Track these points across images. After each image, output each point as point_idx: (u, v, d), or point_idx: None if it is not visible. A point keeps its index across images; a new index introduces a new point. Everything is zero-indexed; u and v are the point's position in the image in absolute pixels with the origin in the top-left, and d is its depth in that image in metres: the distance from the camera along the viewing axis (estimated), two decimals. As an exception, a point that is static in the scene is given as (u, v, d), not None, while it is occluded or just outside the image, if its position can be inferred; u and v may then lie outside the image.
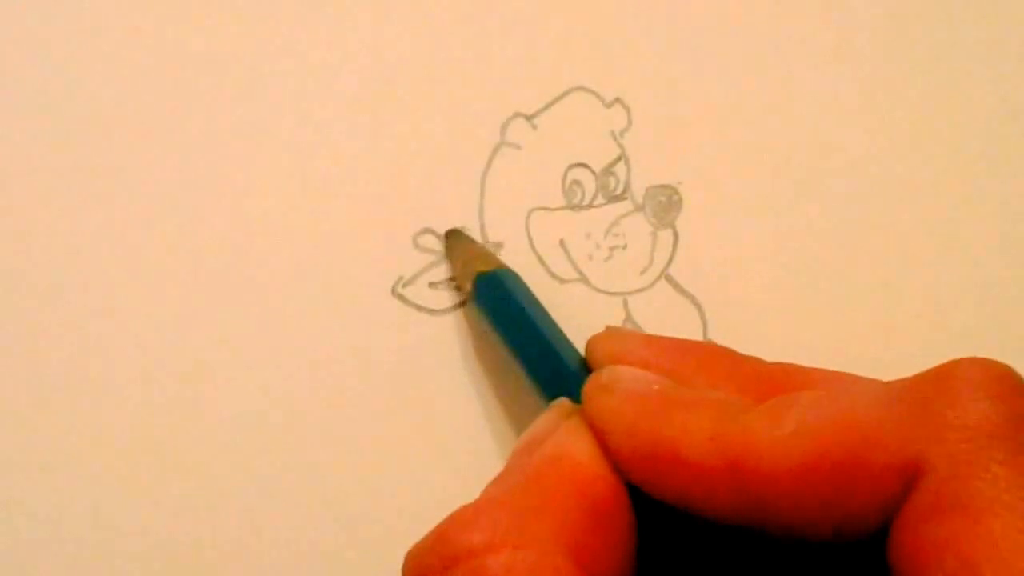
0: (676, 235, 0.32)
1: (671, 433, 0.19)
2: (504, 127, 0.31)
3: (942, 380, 0.18)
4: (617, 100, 0.32)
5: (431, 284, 0.30)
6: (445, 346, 0.30)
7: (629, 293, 0.31)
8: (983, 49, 0.34)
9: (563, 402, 0.22)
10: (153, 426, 0.29)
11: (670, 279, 0.31)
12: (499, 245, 0.31)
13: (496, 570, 0.18)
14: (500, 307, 0.27)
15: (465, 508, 0.19)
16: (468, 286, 0.28)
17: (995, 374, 0.18)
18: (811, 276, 0.32)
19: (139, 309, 0.29)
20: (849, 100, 0.33)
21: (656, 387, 0.21)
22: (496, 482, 0.20)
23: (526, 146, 0.31)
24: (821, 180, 0.32)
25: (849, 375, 0.22)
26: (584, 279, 0.31)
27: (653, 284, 0.31)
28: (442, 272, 0.30)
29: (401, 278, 0.30)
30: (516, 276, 0.28)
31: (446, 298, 0.30)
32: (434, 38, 0.31)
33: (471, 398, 0.30)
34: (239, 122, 0.30)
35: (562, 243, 0.31)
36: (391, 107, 0.31)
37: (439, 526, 0.19)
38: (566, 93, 0.32)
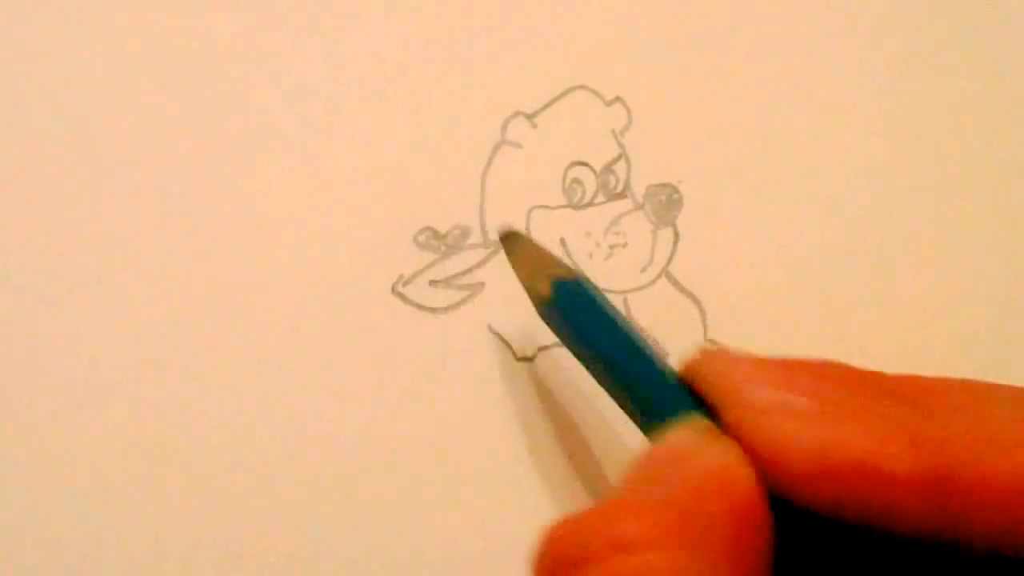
0: (676, 234, 0.32)
1: (866, 445, 0.19)
2: (504, 125, 0.31)
3: None
4: (618, 99, 0.32)
5: (431, 282, 0.30)
6: (445, 344, 0.30)
7: (629, 291, 0.31)
8: (984, 48, 0.34)
9: (696, 418, 0.22)
10: (150, 424, 0.29)
11: (670, 277, 0.31)
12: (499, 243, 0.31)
13: (661, 571, 0.17)
14: (586, 317, 0.26)
15: (620, 500, 0.19)
16: (544, 290, 0.27)
17: None
18: (811, 275, 0.32)
19: (138, 308, 0.29)
20: (850, 99, 0.33)
21: (822, 405, 0.20)
22: (639, 485, 0.20)
23: (526, 144, 0.31)
24: (821, 179, 0.32)
25: (988, 384, 0.21)
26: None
27: (653, 282, 0.31)
28: (442, 270, 0.30)
29: (401, 276, 0.30)
30: (595, 286, 0.27)
31: (446, 296, 0.30)
32: (435, 37, 0.31)
33: (470, 397, 0.30)
34: (240, 121, 0.30)
35: (562, 241, 0.31)
36: (391, 106, 0.31)
37: (595, 508, 0.18)
38: (567, 92, 0.32)
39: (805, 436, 0.19)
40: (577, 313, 0.26)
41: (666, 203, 0.32)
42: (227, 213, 0.30)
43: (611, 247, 0.31)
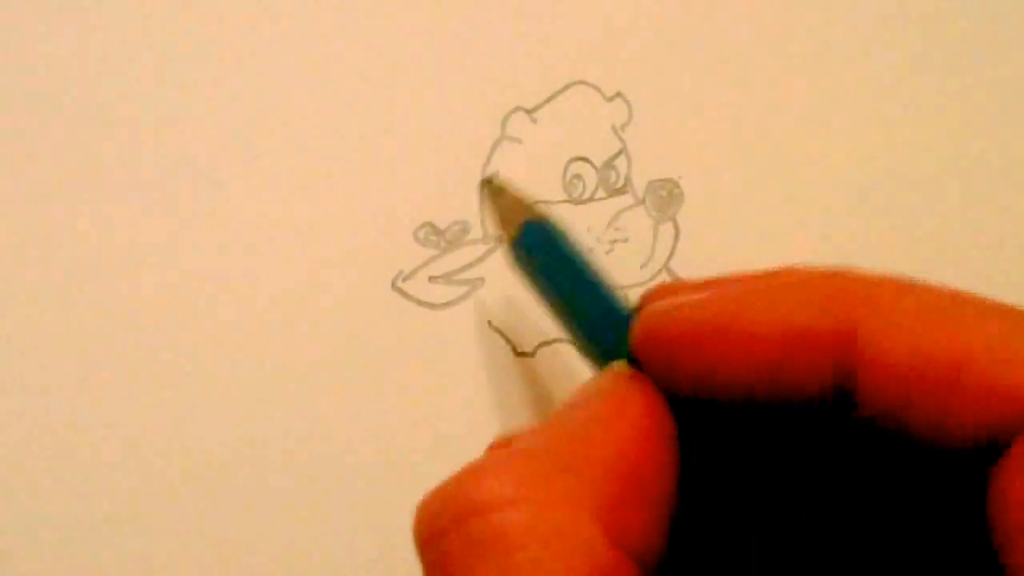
0: (677, 229, 0.31)
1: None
2: (505, 121, 0.31)
3: None
4: (618, 94, 0.32)
5: (431, 278, 0.30)
6: (445, 340, 0.30)
7: (630, 287, 0.31)
8: (986, 46, 0.33)
9: (621, 364, 0.20)
10: (148, 421, 0.29)
11: (671, 273, 0.31)
12: (500, 238, 0.31)
13: (514, 529, 0.15)
14: (549, 259, 0.25)
15: (488, 456, 0.17)
16: (512, 233, 0.26)
17: None
18: (812, 269, 0.32)
19: (138, 304, 0.29)
20: (850, 94, 0.33)
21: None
22: (529, 434, 0.18)
23: (527, 140, 0.31)
24: (821, 174, 0.32)
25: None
26: (585, 273, 0.31)
27: (654, 277, 0.31)
28: (442, 266, 0.30)
29: (401, 272, 0.30)
30: (564, 230, 0.26)
31: (446, 292, 0.30)
32: (435, 32, 0.31)
33: (470, 392, 0.30)
34: (240, 116, 0.30)
35: (563, 237, 0.31)
36: (392, 101, 0.31)
37: (456, 474, 0.17)
38: (567, 87, 0.32)
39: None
40: (541, 256, 0.25)
41: (667, 198, 0.31)
42: (227, 210, 0.30)
43: (612, 242, 0.31)
